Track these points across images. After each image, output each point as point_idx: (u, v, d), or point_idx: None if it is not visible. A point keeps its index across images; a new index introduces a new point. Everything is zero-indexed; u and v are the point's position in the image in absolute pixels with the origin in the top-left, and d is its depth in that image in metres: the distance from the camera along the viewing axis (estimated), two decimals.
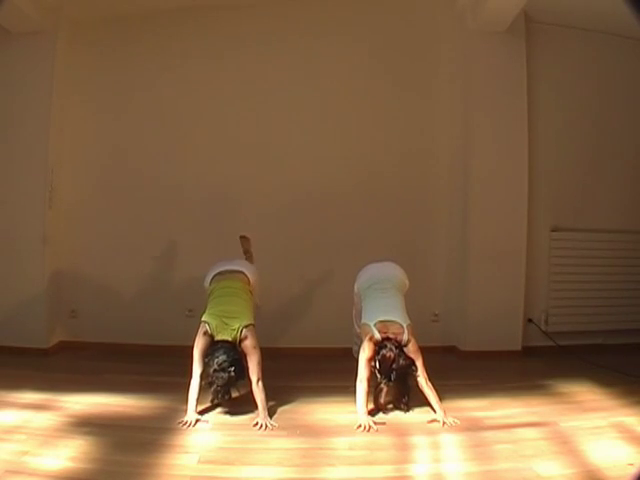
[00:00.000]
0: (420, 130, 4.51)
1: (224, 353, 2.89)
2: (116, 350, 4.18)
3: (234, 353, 2.93)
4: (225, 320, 3.01)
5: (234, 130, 4.39)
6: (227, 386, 2.91)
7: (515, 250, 4.30)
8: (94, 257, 4.40)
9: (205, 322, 3.01)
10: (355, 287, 3.47)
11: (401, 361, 2.92)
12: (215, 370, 2.85)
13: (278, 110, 4.42)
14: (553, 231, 4.44)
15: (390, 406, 3.03)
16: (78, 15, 4.26)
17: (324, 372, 3.73)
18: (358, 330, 3.38)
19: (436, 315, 4.47)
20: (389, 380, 2.91)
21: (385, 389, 2.96)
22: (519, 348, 4.30)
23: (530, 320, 4.42)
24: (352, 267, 3.54)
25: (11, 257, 4.10)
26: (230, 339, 2.97)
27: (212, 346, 2.96)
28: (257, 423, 2.82)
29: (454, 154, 4.45)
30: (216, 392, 2.92)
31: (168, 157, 4.41)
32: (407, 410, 3.02)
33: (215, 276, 3.31)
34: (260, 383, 2.94)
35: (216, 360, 2.86)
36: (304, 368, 3.82)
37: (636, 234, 4.49)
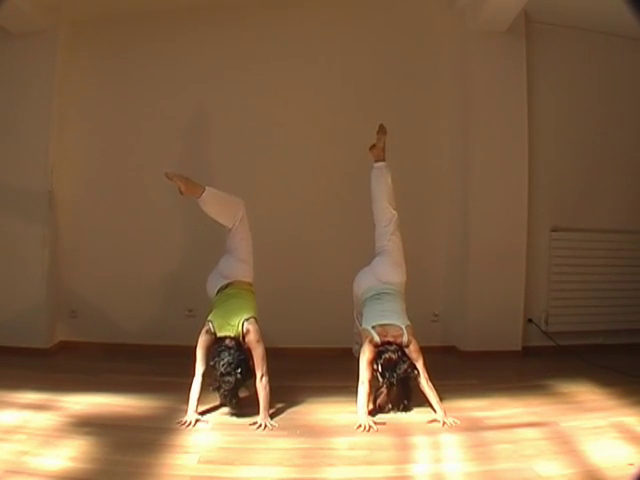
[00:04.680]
0: (419, 130, 4.50)
1: (229, 355, 2.86)
2: (116, 350, 4.18)
3: (239, 353, 2.90)
4: (227, 319, 3.00)
5: (235, 129, 4.40)
6: (235, 389, 2.89)
7: (515, 250, 4.30)
8: (94, 257, 4.39)
9: (209, 320, 3.02)
10: (354, 289, 3.45)
11: (403, 365, 2.92)
12: (221, 374, 2.83)
13: (278, 110, 4.41)
14: (553, 231, 4.44)
15: (389, 407, 3.02)
16: (78, 15, 4.25)
17: (324, 372, 3.73)
18: (360, 328, 3.38)
19: (436, 315, 4.47)
20: (391, 384, 2.91)
21: (385, 392, 2.96)
22: (519, 348, 4.30)
23: (530, 320, 4.41)
24: (352, 267, 3.54)
25: (11, 257, 4.10)
26: (233, 335, 2.95)
27: (217, 346, 2.93)
28: (256, 422, 2.82)
29: (454, 154, 4.45)
30: (224, 396, 2.91)
31: (168, 157, 4.40)
32: (407, 412, 3.01)
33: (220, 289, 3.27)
34: (264, 379, 2.91)
35: (221, 363, 2.84)
36: (304, 368, 3.82)
37: (636, 234, 4.49)
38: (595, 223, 4.47)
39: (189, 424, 2.80)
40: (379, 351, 2.98)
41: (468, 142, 4.34)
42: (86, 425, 2.75)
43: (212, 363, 2.88)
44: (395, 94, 4.47)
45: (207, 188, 3.16)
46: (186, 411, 2.86)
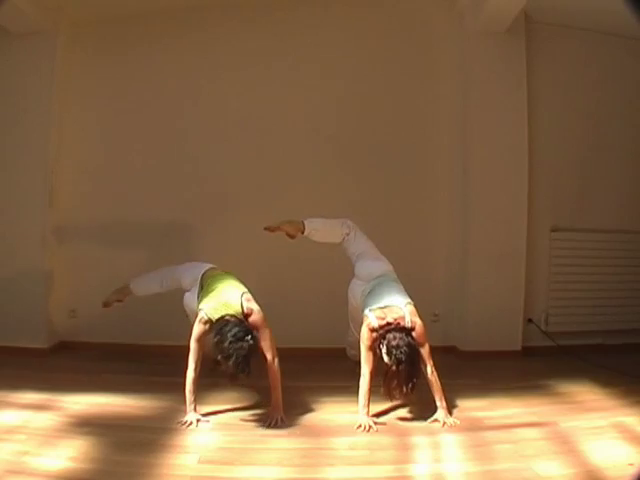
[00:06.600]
0: (419, 131, 4.50)
1: (235, 325, 2.72)
2: (116, 350, 4.17)
3: (244, 324, 2.77)
4: (219, 301, 2.87)
5: (235, 128, 4.39)
6: (248, 356, 2.65)
7: (515, 250, 4.30)
8: (94, 257, 4.39)
9: (200, 309, 2.90)
10: (351, 300, 3.41)
11: (408, 339, 2.77)
12: (231, 342, 2.62)
13: (278, 110, 4.41)
14: (553, 231, 4.44)
15: (398, 391, 2.80)
16: (78, 15, 4.25)
17: (324, 372, 3.73)
18: (355, 333, 3.35)
19: (436, 315, 4.46)
20: (399, 362, 2.71)
21: (394, 371, 2.74)
22: (519, 348, 4.30)
23: (530, 320, 4.41)
24: (352, 266, 3.53)
25: (11, 257, 4.10)
26: (232, 312, 2.82)
27: (216, 325, 2.78)
28: (268, 419, 2.78)
29: (454, 154, 4.45)
30: (236, 365, 2.63)
31: (168, 157, 4.41)
32: (413, 390, 2.78)
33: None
34: (276, 361, 2.83)
35: (229, 332, 2.65)
36: (304, 368, 3.81)
37: (636, 234, 4.49)
38: (595, 223, 4.47)
39: (190, 424, 2.79)
40: (380, 335, 2.83)
41: (468, 142, 4.34)
42: (86, 425, 2.74)
43: (216, 339, 2.68)
44: (394, 94, 4.46)
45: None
46: (186, 410, 2.85)
